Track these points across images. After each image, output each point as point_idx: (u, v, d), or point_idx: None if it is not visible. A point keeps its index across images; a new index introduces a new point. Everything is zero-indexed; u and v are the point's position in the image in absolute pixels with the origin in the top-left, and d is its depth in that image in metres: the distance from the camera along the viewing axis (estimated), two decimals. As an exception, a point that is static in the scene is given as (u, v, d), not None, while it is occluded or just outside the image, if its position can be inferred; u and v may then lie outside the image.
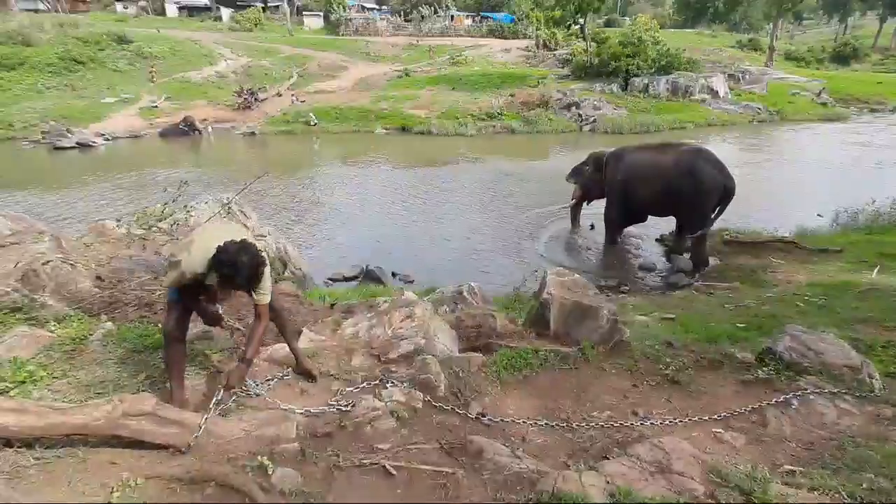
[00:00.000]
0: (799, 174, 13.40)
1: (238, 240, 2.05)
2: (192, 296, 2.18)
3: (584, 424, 2.44)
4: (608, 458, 2.16)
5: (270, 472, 1.72)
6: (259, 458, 1.76)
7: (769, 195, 11.47)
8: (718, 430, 2.55)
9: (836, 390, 2.85)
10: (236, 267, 1.98)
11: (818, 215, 9.28)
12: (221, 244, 2.01)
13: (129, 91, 22.54)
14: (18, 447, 1.62)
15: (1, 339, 2.36)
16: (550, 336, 3.25)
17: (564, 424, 2.42)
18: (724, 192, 6.80)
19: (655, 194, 7.12)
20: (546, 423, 2.39)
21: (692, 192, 6.75)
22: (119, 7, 38.72)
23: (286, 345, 2.53)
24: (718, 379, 3.18)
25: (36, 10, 31.95)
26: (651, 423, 2.54)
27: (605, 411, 2.62)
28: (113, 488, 1.54)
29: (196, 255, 2.06)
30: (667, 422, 2.56)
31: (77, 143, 16.79)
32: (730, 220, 8.94)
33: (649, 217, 7.87)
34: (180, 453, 1.75)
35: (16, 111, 19.49)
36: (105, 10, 38.11)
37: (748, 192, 11.66)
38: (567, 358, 2.98)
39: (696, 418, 2.64)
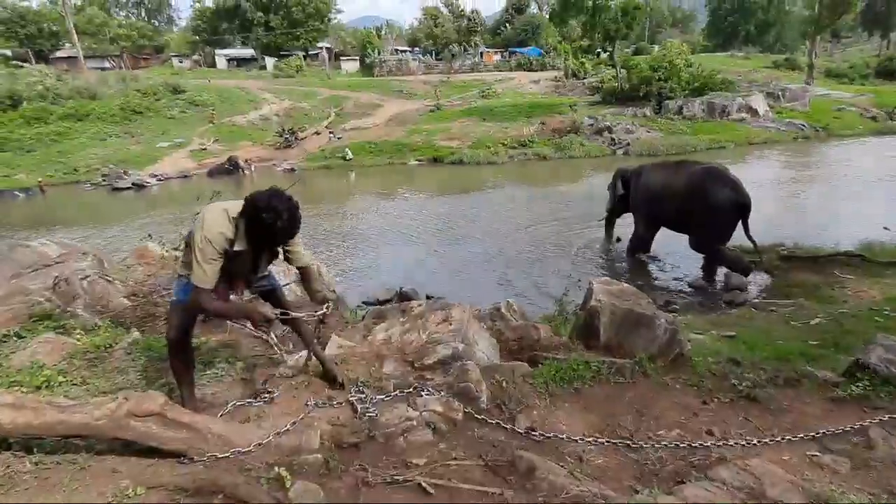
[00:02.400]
0: (855, 188, 12.50)
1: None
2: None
3: (650, 444, 2.09)
4: (684, 482, 1.82)
5: (288, 486, 1.50)
6: (276, 469, 1.54)
7: (825, 210, 10.74)
8: (814, 454, 2.15)
9: (954, 408, 2.39)
10: (276, 210, 1.75)
11: (885, 228, 8.50)
12: (248, 195, 1.83)
13: (182, 136, 24.13)
14: (16, 451, 1.48)
15: (26, 345, 2.29)
16: (601, 347, 2.93)
17: (628, 443, 2.08)
18: (740, 209, 6.65)
19: (670, 212, 7.19)
20: (606, 441, 2.06)
21: (702, 211, 6.70)
22: (175, 62, 42.18)
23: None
24: (802, 396, 2.76)
25: (102, 69, 35.23)
26: (731, 444, 2.16)
27: (674, 430, 2.26)
28: (110, 497, 1.36)
29: (215, 217, 1.84)
30: (752, 443, 2.16)
31: (133, 184, 17.96)
32: (786, 235, 8.37)
33: None
34: (190, 460, 1.56)
35: (81, 157, 21.19)
36: (163, 65, 41.61)
37: (802, 209, 11.00)
38: (623, 370, 2.65)
39: (783, 439, 2.24)
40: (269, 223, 1.77)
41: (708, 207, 6.63)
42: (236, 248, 1.85)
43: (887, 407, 2.48)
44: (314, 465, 1.65)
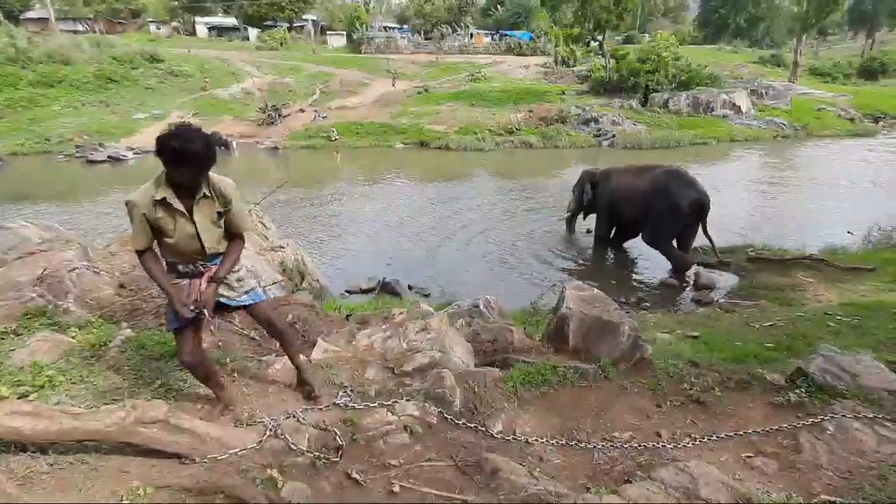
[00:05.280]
0: (826, 191, 13.01)
1: None
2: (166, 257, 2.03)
3: (604, 445, 2.34)
4: (630, 482, 2.07)
5: (280, 486, 1.68)
6: (269, 470, 1.73)
7: (795, 212, 11.19)
8: (748, 455, 2.43)
9: (874, 415, 2.68)
10: (183, 136, 1.82)
11: (848, 233, 8.97)
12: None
13: (160, 107, 23.42)
14: (33, 452, 1.63)
15: (24, 343, 2.40)
16: (569, 352, 3.17)
17: (584, 444, 2.32)
18: (698, 208, 7.10)
19: (634, 214, 7.65)
20: (565, 443, 2.30)
21: (662, 208, 7.16)
22: (153, 28, 40.51)
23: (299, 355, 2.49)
24: (747, 401, 3.04)
25: (75, 32, 33.64)
26: (675, 446, 2.42)
27: (627, 432, 2.52)
28: (122, 497, 1.53)
29: (140, 189, 1.94)
30: (692, 444, 2.44)
31: (108, 157, 17.49)
32: (754, 236, 8.77)
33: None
34: (192, 462, 1.73)
35: (53, 126, 20.44)
36: (140, 31, 39.93)
37: (773, 209, 11.44)
38: (587, 375, 2.89)
39: (724, 442, 2.52)
40: (179, 150, 1.83)
41: (668, 205, 7.08)
42: (158, 196, 1.91)
43: (818, 413, 2.77)
44: (302, 466, 1.84)
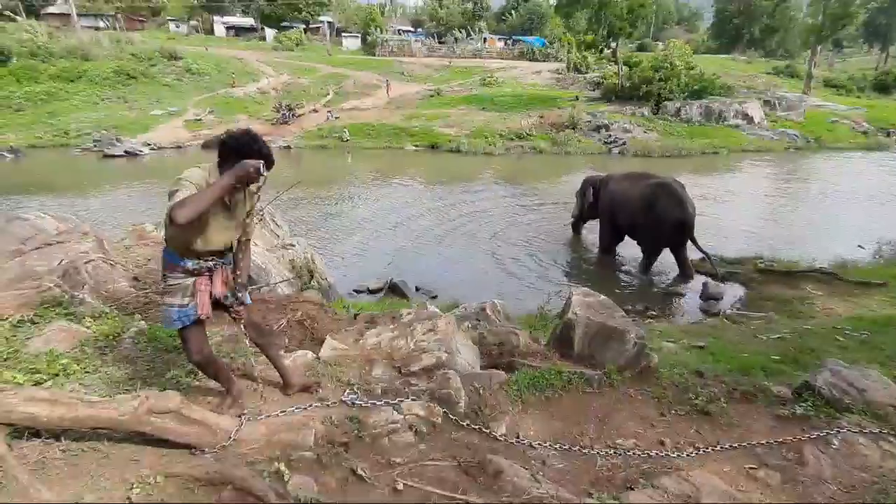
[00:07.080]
0: (838, 204, 12.87)
1: None
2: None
3: (607, 451, 2.35)
4: (633, 489, 2.07)
5: (286, 479, 1.72)
6: (276, 463, 1.76)
7: (806, 225, 11.08)
8: (752, 467, 2.42)
9: (880, 430, 2.67)
10: (252, 136, 1.99)
11: (859, 247, 8.89)
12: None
13: (176, 104, 23.75)
14: (46, 438, 1.68)
15: (40, 332, 2.46)
16: (574, 357, 3.18)
17: (587, 450, 2.33)
18: (681, 227, 7.22)
19: (628, 221, 7.87)
20: (568, 448, 2.31)
21: (648, 222, 7.41)
22: (172, 26, 41.12)
23: (308, 352, 2.53)
24: (752, 412, 3.03)
25: (96, 28, 34.26)
26: (679, 455, 2.42)
27: (630, 439, 2.52)
28: (133, 484, 1.57)
29: (193, 170, 1.97)
30: (696, 454, 2.43)
31: (125, 152, 17.79)
32: (763, 248, 8.71)
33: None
34: (201, 453, 1.77)
35: (72, 120, 20.83)
36: (159, 29, 40.56)
37: (784, 222, 11.34)
38: (591, 381, 2.90)
39: (727, 453, 2.51)
40: (246, 145, 1.97)
41: (652, 221, 7.28)
42: (211, 181, 1.94)
43: (823, 427, 2.75)
44: (309, 460, 1.88)
